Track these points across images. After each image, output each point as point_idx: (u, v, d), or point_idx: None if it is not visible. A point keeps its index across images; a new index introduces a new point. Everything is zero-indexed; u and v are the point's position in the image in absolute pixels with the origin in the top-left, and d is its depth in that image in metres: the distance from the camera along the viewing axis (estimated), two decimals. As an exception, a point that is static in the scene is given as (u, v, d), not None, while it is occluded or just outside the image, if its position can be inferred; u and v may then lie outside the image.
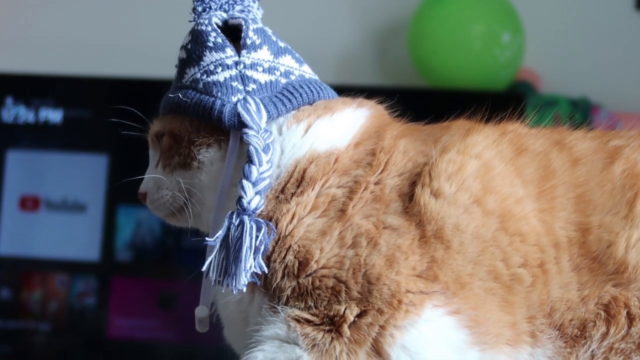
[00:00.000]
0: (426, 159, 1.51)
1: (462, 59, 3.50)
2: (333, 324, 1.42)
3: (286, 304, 1.46)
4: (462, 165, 1.48)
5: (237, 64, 1.57)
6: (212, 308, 1.57)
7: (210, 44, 1.58)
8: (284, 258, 1.47)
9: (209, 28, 1.58)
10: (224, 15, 1.61)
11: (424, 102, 3.30)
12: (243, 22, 1.59)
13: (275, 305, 1.46)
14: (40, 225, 3.44)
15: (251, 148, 1.49)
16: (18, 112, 3.47)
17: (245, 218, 1.45)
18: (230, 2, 1.62)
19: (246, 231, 1.44)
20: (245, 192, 1.46)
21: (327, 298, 1.44)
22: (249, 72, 1.56)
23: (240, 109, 1.52)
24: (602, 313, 1.42)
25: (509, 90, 3.53)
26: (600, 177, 1.48)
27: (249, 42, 1.58)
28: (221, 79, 1.56)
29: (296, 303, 1.45)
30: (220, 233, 1.46)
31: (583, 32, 3.72)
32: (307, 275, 1.45)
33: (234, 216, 1.46)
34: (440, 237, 1.44)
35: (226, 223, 1.46)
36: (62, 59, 3.80)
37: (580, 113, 3.41)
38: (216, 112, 1.54)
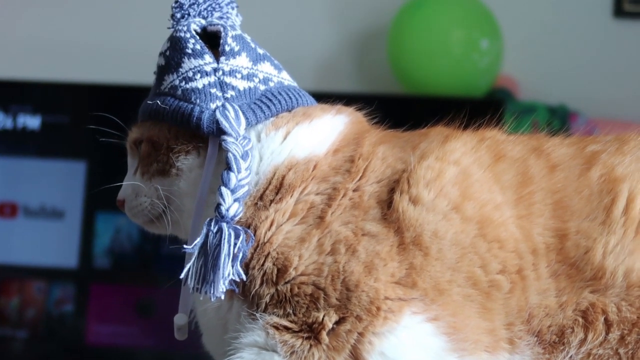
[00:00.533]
0: (405, 165, 1.51)
1: (441, 66, 3.51)
2: (312, 331, 1.42)
3: (265, 311, 1.45)
4: (441, 171, 1.49)
5: (215, 70, 1.56)
6: (190, 315, 1.57)
7: (189, 51, 1.57)
8: (262, 265, 1.46)
9: (188, 35, 1.58)
10: (203, 22, 1.61)
11: (403, 109, 3.30)
12: (222, 29, 1.58)
13: (254, 313, 1.45)
14: (18, 232, 3.42)
15: (230, 155, 1.48)
16: (-5, 119, 3.46)
17: (224, 225, 1.45)
18: (209, 8, 1.62)
19: (224, 238, 1.44)
20: (223, 199, 1.46)
21: (305, 305, 1.43)
22: (227, 79, 1.56)
23: (218, 115, 1.52)
24: (580, 319, 1.43)
25: (488, 97, 3.53)
26: (577, 183, 1.48)
27: (227, 48, 1.57)
28: (200, 86, 1.55)
29: (275, 310, 1.45)
30: (199, 240, 1.46)
31: (561, 40, 3.74)
32: (286, 282, 1.45)
33: (212, 223, 1.45)
34: (419, 243, 1.44)
35: (204, 230, 1.46)
36: (41, 65, 3.79)
37: (558, 120, 3.42)
38: (195, 119, 1.53)
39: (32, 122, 3.45)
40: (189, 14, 1.61)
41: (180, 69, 1.57)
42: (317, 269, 1.44)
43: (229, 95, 1.55)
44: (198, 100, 1.55)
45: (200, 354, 1.62)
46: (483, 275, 1.43)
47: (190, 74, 1.56)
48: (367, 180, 1.51)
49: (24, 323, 3.39)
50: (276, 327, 1.43)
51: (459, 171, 1.49)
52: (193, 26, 1.59)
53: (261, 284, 1.46)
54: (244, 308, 1.47)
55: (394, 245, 1.44)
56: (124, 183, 1.66)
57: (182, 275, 1.46)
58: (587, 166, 1.50)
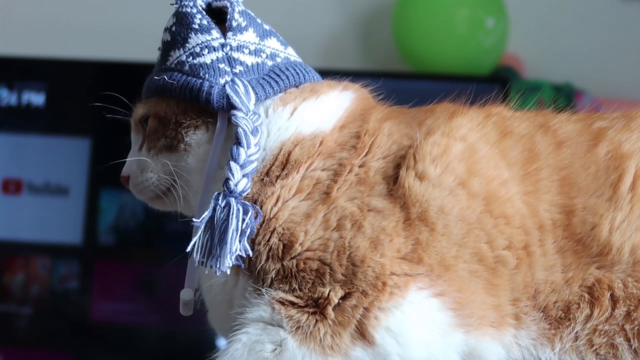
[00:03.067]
0: (411, 141, 1.51)
1: (446, 44, 3.50)
2: (317, 306, 1.42)
3: (270, 286, 1.46)
4: (447, 147, 1.49)
5: (223, 46, 1.56)
6: (196, 293, 1.57)
7: (196, 26, 1.57)
8: (268, 241, 1.47)
9: (194, 10, 1.58)
10: (208, -3, 1.61)
11: (408, 87, 3.30)
12: (228, 4, 1.58)
13: (260, 288, 1.46)
14: (23, 209, 3.42)
15: (240, 130, 1.48)
16: (0, 95, 3.45)
17: (232, 200, 1.45)
18: (214, -16, 1.62)
19: (233, 213, 1.44)
20: (232, 174, 1.46)
21: (311, 280, 1.44)
22: (235, 54, 1.56)
23: (228, 90, 1.52)
24: (586, 295, 1.43)
25: (493, 76, 3.52)
26: (584, 159, 1.48)
27: (234, 24, 1.57)
28: (208, 61, 1.55)
29: (280, 285, 1.45)
30: (206, 214, 1.46)
31: (567, 18, 3.72)
32: (292, 258, 1.45)
33: (220, 197, 1.45)
34: (425, 219, 1.44)
35: (212, 204, 1.46)
36: (45, 42, 3.78)
37: (564, 98, 3.41)
38: (204, 93, 1.53)
39: (36, 98, 3.44)
40: (193, -10, 1.60)
41: (187, 45, 1.57)
42: (322, 244, 1.45)
43: (237, 71, 1.55)
44: (207, 75, 1.54)
45: (205, 330, 1.62)
46: (489, 251, 1.44)
47: (198, 49, 1.56)
48: (373, 156, 1.51)
49: (28, 300, 3.40)
50: (282, 303, 1.43)
51: (466, 147, 1.49)
52: (199, 2, 1.59)
53: (267, 260, 1.46)
54: (249, 283, 1.48)
55: (399, 220, 1.45)
56: (128, 159, 1.65)
57: (188, 249, 1.46)
58: (594, 143, 1.50)
